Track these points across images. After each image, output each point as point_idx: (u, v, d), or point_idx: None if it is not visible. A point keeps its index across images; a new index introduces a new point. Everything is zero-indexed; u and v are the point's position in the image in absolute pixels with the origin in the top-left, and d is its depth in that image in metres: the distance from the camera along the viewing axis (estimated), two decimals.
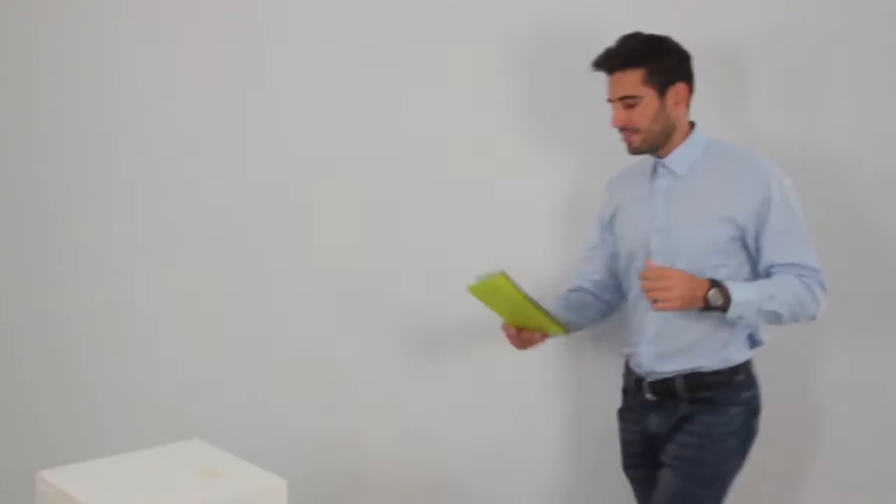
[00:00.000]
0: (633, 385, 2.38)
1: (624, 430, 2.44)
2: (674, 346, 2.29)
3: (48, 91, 2.64)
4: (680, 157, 2.29)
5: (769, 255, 2.22)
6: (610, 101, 2.28)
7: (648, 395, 2.33)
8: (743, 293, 2.16)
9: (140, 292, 2.70)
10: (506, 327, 2.33)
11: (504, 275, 2.13)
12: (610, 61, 2.25)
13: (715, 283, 2.16)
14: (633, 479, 2.45)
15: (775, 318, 2.20)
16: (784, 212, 2.21)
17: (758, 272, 2.26)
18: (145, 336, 2.71)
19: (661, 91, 2.24)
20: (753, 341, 2.31)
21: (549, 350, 2.82)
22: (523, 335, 2.33)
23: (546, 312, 2.24)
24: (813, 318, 2.23)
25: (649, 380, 2.33)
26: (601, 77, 2.29)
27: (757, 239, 2.22)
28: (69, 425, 2.67)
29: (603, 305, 2.51)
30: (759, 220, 2.21)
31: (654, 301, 2.14)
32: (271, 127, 2.70)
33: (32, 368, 2.67)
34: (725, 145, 2.32)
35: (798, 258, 2.21)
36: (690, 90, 2.28)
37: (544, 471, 2.84)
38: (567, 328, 2.33)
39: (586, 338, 2.74)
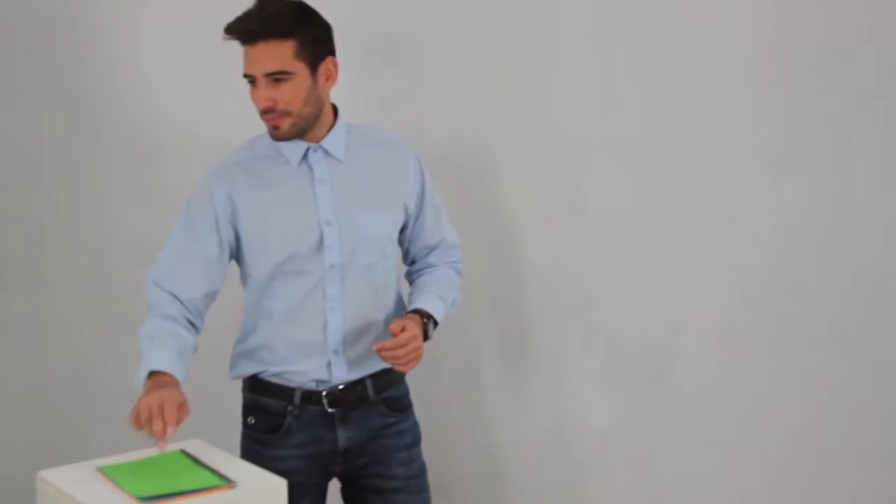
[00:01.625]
0: (298, 402, 2.06)
1: (275, 460, 2.03)
2: (364, 349, 2.06)
3: (48, 93, 2.64)
4: (335, 139, 2.04)
5: (430, 236, 2.18)
6: (249, 76, 1.94)
7: (330, 409, 2.06)
8: (438, 311, 2.11)
9: (140, 292, 2.70)
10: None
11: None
12: (253, 28, 1.90)
13: (422, 315, 2.07)
14: None
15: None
16: (433, 191, 2.18)
17: (409, 254, 2.22)
18: None
19: (313, 67, 1.95)
20: None
21: (548, 350, 2.83)
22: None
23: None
24: None
25: (327, 390, 2.05)
26: None
27: (417, 220, 2.16)
28: (69, 425, 2.66)
29: (195, 337, 2.04)
30: (420, 203, 2.15)
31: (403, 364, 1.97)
32: None
33: (32, 368, 2.67)
34: (362, 126, 2.13)
35: (450, 236, 2.22)
36: (337, 66, 2.01)
37: (543, 472, 2.85)
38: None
39: (588, 340, 2.74)
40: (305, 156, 2.03)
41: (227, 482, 1.66)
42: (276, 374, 2.07)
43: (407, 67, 2.67)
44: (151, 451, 1.79)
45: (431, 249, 2.21)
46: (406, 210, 2.12)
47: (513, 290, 2.77)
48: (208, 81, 2.68)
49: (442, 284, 2.17)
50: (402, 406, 2.17)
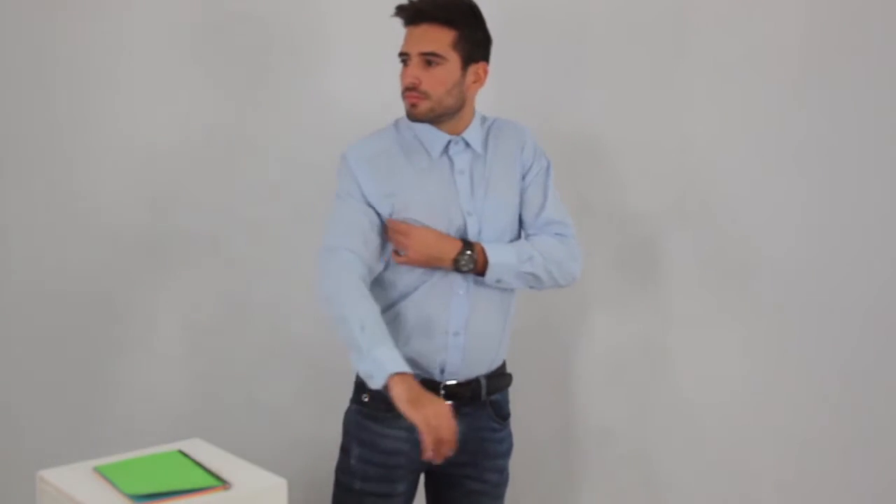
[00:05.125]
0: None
1: (384, 437, 2.15)
2: (482, 336, 2.17)
3: (48, 91, 2.64)
4: (474, 133, 2.15)
5: (530, 212, 2.18)
6: (404, 54, 2.06)
7: (445, 401, 2.09)
8: (500, 255, 2.09)
9: (140, 292, 2.70)
10: None
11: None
12: (422, 8, 2.03)
13: (468, 246, 2.07)
14: (381, 496, 2.16)
15: (534, 281, 2.15)
16: (540, 170, 2.19)
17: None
18: (145, 336, 2.72)
19: (465, 63, 2.07)
20: None
21: (548, 349, 2.83)
22: None
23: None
24: (573, 278, 2.20)
25: (446, 382, 2.15)
26: None
27: (523, 200, 2.19)
28: (69, 425, 2.67)
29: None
30: (524, 183, 2.19)
31: (397, 252, 2.07)
32: (272, 125, 2.71)
33: (32, 368, 2.67)
34: (492, 118, 2.22)
35: (552, 213, 2.18)
36: (487, 75, 2.13)
37: (544, 471, 2.85)
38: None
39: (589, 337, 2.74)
40: (446, 148, 2.12)
41: (223, 483, 1.66)
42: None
43: None
44: (149, 450, 1.79)
45: (532, 224, 2.20)
46: (520, 195, 2.17)
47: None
48: (215, 78, 2.69)
49: (526, 243, 2.16)
50: (504, 413, 2.27)
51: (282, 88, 2.70)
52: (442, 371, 2.15)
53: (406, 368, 1.94)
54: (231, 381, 2.74)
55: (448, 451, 1.90)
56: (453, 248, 2.07)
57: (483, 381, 2.18)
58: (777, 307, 2.74)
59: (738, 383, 2.77)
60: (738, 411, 2.78)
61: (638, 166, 2.75)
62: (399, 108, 2.13)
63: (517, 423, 2.59)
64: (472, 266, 2.07)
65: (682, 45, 2.72)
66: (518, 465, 2.79)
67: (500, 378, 2.23)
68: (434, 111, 2.07)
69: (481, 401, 2.19)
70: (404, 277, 2.12)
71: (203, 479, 1.67)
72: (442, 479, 2.25)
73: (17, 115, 2.62)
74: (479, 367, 2.17)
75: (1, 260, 2.63)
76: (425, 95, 2.04)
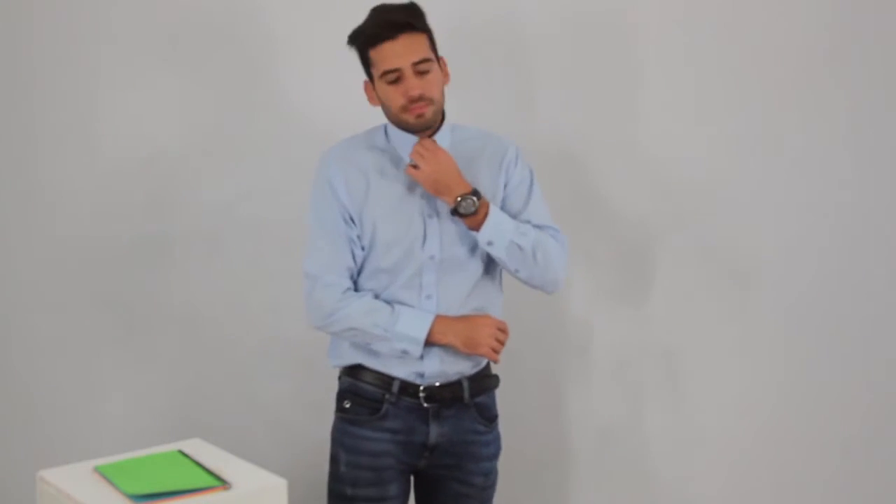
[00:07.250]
0: (396, 391, 2.13)
1: (369, 440, 2.15)
2: None
3: (38, 87, 2.64)
4: (444, 135, 2.15)
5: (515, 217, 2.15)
6: (395, 70, 2.03)
7: (426, 404, 2.13)
8: (499, 215, 2.07)
9: (140, 291, 2.70)
10: None
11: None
12: (398, 20, 2.02)
13: (475, 193, 2.05)
14: (374, 500, 2.16)
15: (520, 259, 2.09)
16: (521, 180, 2.17)
17: None
18: (145, 335, 2.71)
19: (438, 61, 2.09)
20: None
21: (549, 349, 2.83)
22: None
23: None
24: (557, 283, 2.18)
25: (425, 385, 2.13)
26: None
27: (503, 208, 2.15)
28: (69, 425, 2.67)
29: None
30: (505, 192, 2.17)
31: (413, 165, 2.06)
32: (272, 126, 2.71)
33: (32, 367, 2.67)
34: (462, 126, 2.21)
35: (542, 220, 2.17)
36: None
37: (544, 471, 2.85)
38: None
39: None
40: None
41: (223, 483, 1.66)
42: (375, 366, 2.14)
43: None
44: (149, 451, 1.79)
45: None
46: (494, 203, 2.13)
47: (514, 289, 2.76)
48: (214, 78, 2.69)
49: (523, 224, 2.13)
50: (491, 416, 2.23)
51: (281, 88, 2.70)
52: (421, 374, 2.13)
53: (429, 321, 2.06)
54: (231, 382, 2.74)
55: (505, 338, 2.13)
56: (463, 188, 2.05)
57: (465, 383, 2.16)
58: (777, 308, 2.74)
59: (738, 384, 2.77)
60: (738, 412, 2.78)
61: (638, 166, 2.75)
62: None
63: (517, 423, 2.60)
64: (471, 210, 2.04)
65: (681, 45, 2.72)
66: (517, 465, 2.79)
67: (484, 380, 2.20)
68: (437, 114, 2.10)
69: (464, 403, 2.17)
70: (369, 282, 2.13)
71: (203, 479, 1.67)
72: (429, 481, 2.24)
73: (16, 115, 2.63)
74: (459, 367, 2.15)
75: (0, 260, 2.63)
76: (431, 101, 2.06)
